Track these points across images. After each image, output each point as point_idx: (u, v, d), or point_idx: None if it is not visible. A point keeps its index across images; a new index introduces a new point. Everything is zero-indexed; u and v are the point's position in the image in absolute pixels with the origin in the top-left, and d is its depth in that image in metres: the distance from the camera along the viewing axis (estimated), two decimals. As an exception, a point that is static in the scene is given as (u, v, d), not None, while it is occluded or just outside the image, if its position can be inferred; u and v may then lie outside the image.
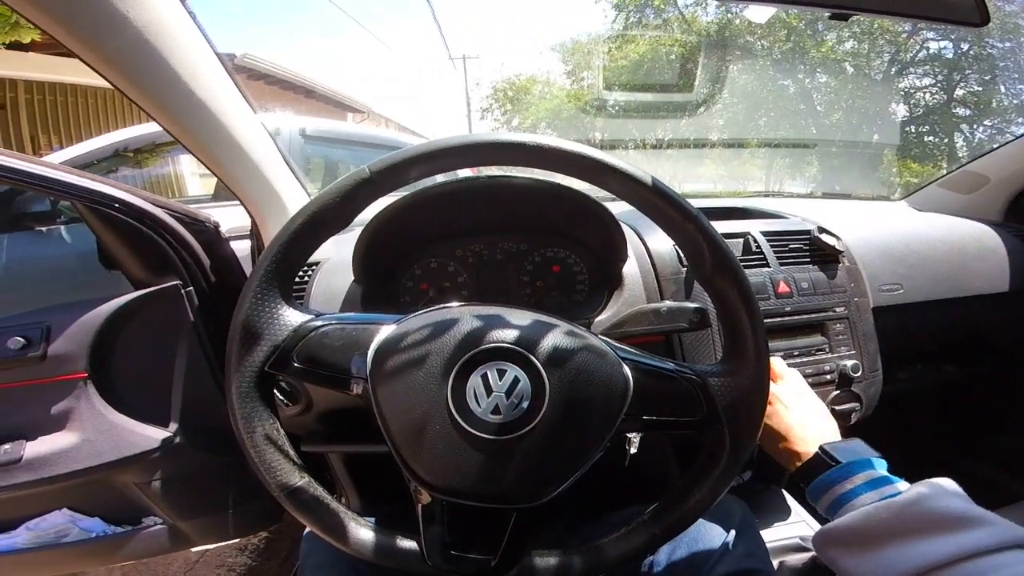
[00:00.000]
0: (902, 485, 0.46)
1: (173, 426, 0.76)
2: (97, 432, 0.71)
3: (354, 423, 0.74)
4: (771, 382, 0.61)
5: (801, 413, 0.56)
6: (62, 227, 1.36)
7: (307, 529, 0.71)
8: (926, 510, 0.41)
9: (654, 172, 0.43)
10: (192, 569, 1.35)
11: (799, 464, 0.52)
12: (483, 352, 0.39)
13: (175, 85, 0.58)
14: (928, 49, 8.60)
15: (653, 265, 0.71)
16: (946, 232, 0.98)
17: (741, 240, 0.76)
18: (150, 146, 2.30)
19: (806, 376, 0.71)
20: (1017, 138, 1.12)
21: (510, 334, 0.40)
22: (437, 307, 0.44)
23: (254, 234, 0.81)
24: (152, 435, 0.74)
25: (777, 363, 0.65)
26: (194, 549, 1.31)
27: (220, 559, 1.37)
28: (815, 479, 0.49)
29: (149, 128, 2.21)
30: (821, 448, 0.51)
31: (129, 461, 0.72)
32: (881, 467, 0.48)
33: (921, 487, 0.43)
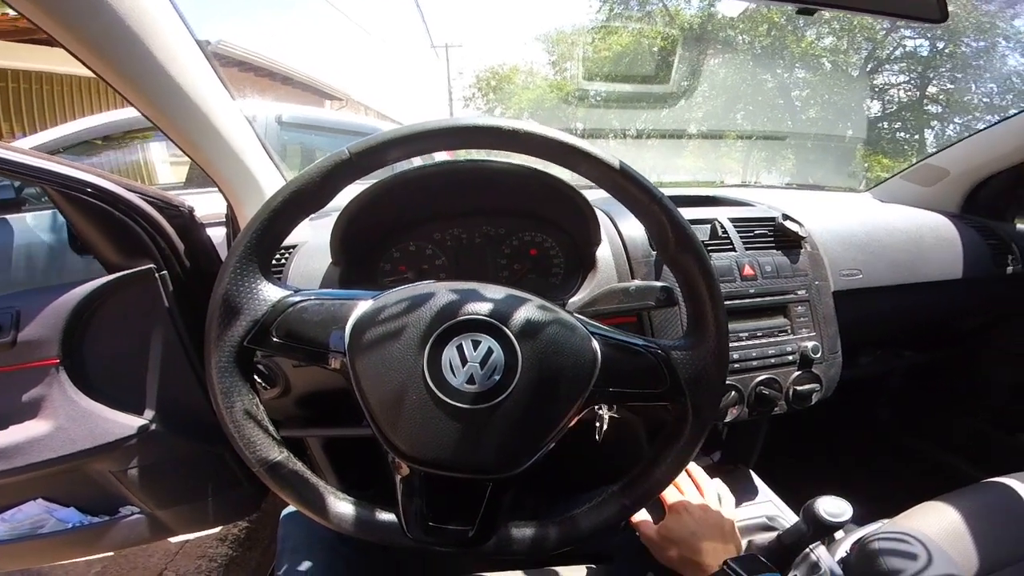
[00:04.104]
0: None
1: (149, 413, 0.75)
2: (70, 420, 0.70)
3: (332, 407, 0.74)
4: (689, 490, 0.64)
5: (699, 524, 0.58)
6: (27, 214, 1.32)
7: (284, 513, 0.71)
8: None
9: (635, 163, 0.44)
10: (173, 560, 1.34)
11: None
12: (458, 324, 0.40)
13: (154, 69, 0.57)
14: (904, 47, 8.83)
15: (625, 249, 0.73)
16: (905, 222, 1.02)
17: (709, 225, 0.78)
18: (119, 134, 2.23)
19: (768, 356, 0.74)
20: (975, 133, 1.17)
21: (484, 307, 0.41)
22: (414, 284, 0.45)
23: (230, 220, 0.80)
24: (127, 422, 0.73)
25: (699, 473, 0.67)
26: (174, 540, 1.30)
27: (201, 550, 1.36)
28: None
29: (116, 116, 2.14)
30: (726, 563, 0.52)
31: (104, 449, 0.71)
32: None
33: None
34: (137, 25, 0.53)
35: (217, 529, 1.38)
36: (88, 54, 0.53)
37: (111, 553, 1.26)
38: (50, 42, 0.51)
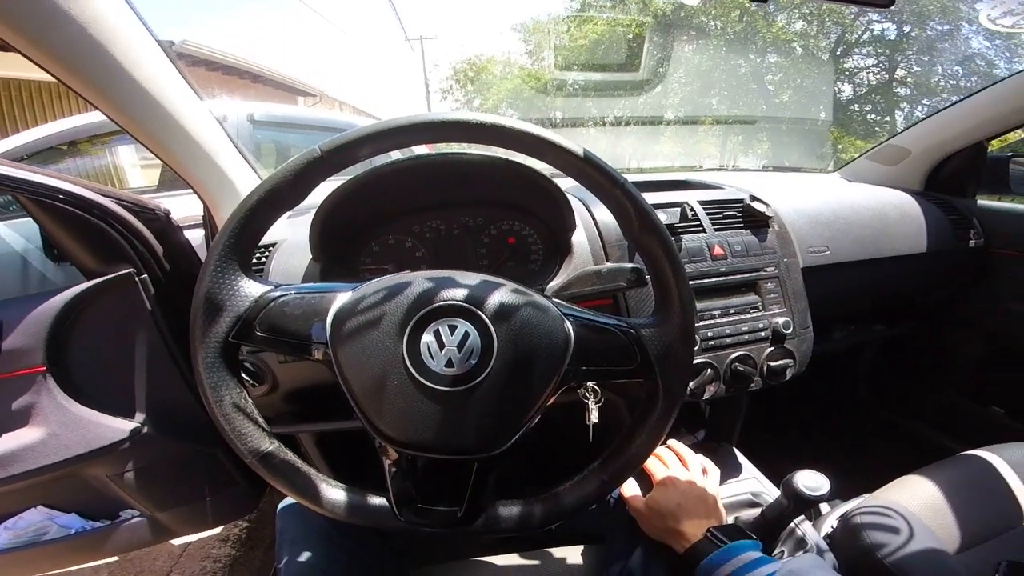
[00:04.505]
0: (776, 565, 0.50)
1: (140, 416, 0.75)
2: (62, 426, 0.70)
3: (321, 402, 0.75)
4: (674, 465, 0.66)
5: (684, 496, 0.60)
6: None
7: (280, 506, 0.73)
8: None
9: (614, 150, 0.46)
10: (178, 562, 1.33)
11: (687, 546, 0.56)
12: (435, 309, 0.42)
13: (119, 75, 0.57)
14: (872, 31, 9.01)
15: (600, 234, 0.75)
16: (870, 200, 1.06)
17: (679, 209, 0.80)
18: (84, 138, 2.17)
19: (742, 333, 0.76)
20: (934, 113, 1.20)
21: (460, 293, 0.43)
22: (392, 275, 0.46)
23: (207, 222, 0.80)
24: (119, 426, 0.73)
25: (684, 450, 0.70)
26: (176, 542, 1.30)
27: (204, 551, 1.36)
28: (704, 559, 0.53)
29: (81, 120, 2.08)
30: (709, 530, 0.55)
31: (98, 453, 0.72)
32: (759, 549, 0.53)
33: (792, 564, 0.49)
34: (99, 32, 0.53)
35: (219, 530, 1.37)
36: (50, 62, 0.52)
37: (116, 558, 1.25)
38: (5, 47, 0.50)
